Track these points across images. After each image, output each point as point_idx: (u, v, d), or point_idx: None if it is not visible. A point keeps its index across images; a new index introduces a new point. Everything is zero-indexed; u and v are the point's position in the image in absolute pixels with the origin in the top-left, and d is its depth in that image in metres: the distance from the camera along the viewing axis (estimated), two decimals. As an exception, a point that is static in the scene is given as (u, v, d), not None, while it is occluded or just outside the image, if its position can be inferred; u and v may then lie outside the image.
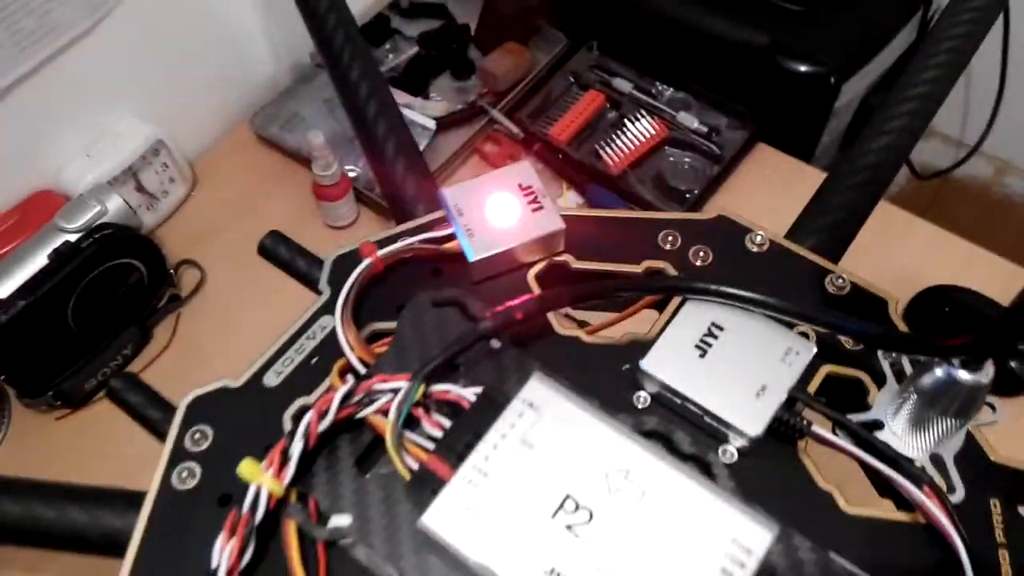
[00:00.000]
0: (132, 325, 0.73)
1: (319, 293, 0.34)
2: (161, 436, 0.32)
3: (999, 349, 0.25)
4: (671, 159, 0.83)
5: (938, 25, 0.39)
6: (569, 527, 0.25)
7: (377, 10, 0.91)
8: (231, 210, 0.80)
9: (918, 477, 0.28)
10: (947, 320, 0.71)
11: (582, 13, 0.91)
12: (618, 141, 0.82)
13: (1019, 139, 1.16)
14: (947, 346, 0.25)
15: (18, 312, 0.64)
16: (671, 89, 0.86)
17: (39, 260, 0.68)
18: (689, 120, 0.82)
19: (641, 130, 0.82)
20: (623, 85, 0.85)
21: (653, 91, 0.85)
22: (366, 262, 0.32)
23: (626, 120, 0.83)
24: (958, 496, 0.28)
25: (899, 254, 0.73)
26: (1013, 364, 0.70)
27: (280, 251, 0.38)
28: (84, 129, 0.75)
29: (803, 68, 0.82)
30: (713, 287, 0.30)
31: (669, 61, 0.86)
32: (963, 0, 0.39)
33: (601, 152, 0.82)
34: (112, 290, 0.71)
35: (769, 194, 0.80)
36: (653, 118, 0.83)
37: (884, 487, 0.30)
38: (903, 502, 0.29)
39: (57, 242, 0.69)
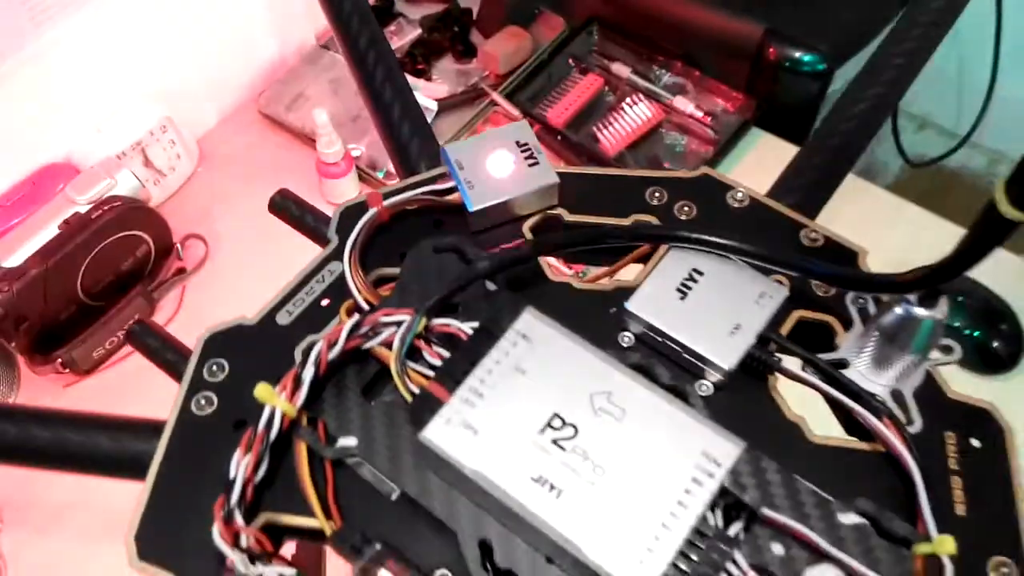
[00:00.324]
0: (139, 296, 0.75)
1: (326, 245, 0.37)
2: (177, 376, 0.35)
3: (949, 281, 0.27)
4: (667, 142, 0.85)
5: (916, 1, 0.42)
6: (555, 441, 0.28)
7: (381, -7, 0.93)
8: (236, 187, 0.82)
9: (878, 409, 0.30)
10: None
11: (582, -1, 0.93)
12: (615, 124, 0.85)
13: (1011, 131, 1.18)
14: (901, 282, 0.28)
15: (30, 280, 0.66)
16: (668, 74, 0.88)
17: (50, 230, 0.70)
18: (685, 104, 0.85)
19: (638, 113, 0.85)
20: (621, 70, 0.88)
21: (651, 76, 0.88)
22: (372, 211, 0.35)
23: (624, 104, 0.85)
24: (916, 427, 0.31)
25: (891, 237, 0.76)
26: (996, 344, 0.72)
27: (290, 208, 0.40)
28: (95, 105, 0.77)
29: (797, 54, 0.84)
30: (693, 235, 0.32)
31: (667, 47, 0.88)
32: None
33: (599, 134, 0.84)
34: (120, 261, 0.73)
35: (763, 177, 0.82)
36: (650, 102, 0.85)
37: (850, 424, 0.33)
38: (866, 434, 0.31)
39: (68, 213, 0.71)
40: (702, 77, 0.87)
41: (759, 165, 0.84)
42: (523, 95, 0.87)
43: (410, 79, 0.87)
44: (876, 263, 0.35)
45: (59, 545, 0.62)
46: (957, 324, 0.72)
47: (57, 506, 0.63)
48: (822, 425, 0.32)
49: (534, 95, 0.87)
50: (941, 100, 1.20)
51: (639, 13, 0.88)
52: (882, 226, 0.77)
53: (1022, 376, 0.70)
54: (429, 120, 0.83)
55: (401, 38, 0.91)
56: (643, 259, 0.36)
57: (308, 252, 0.36)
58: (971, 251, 0.25)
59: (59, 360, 0.70)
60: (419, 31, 0.91)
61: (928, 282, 0.27)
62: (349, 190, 0.81)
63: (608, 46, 0.90)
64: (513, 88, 0.87)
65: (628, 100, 0.86)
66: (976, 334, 0.72)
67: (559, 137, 0.84)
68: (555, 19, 0.91)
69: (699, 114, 0.85)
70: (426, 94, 0.86)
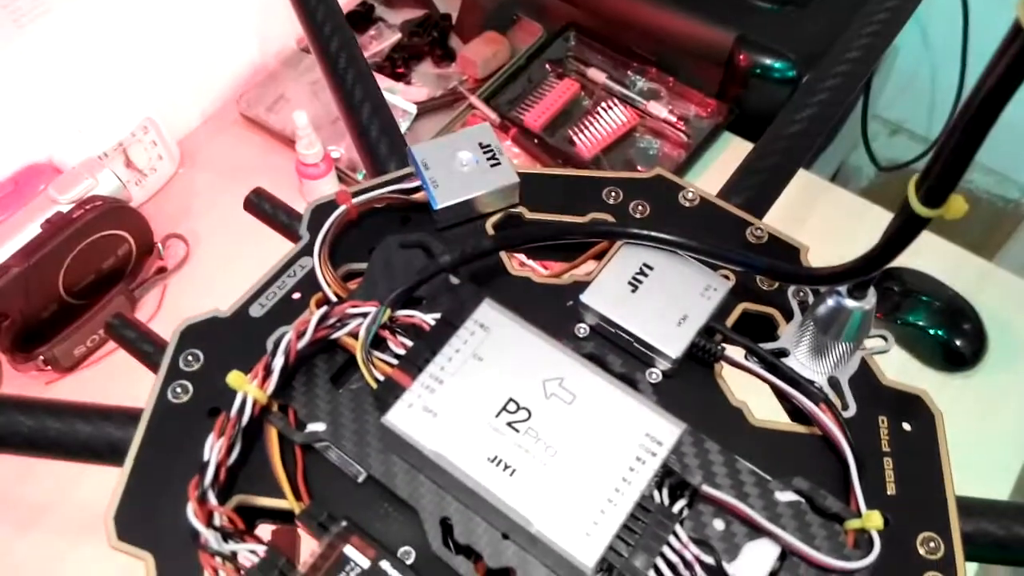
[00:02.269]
0: (120, 295, 0.76)
1: (298, 240, 0.38)
2: (153, 367, 0.36)
3: (874, 275, 0.29)
4: (641, 146, 0.87)
5: (863, 10, 0.44)
6: (510, 424, 0.29)
7: (361, -2, 0.94)
8: (217, 187, 0.83)
9: (815, 395, 0.32)
10: (897, 299, 0.76)
11: (559, 4, 0.95)
12: (591, 128, 0.86)
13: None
14: (829, 275, 0.30)
15: (11, 278, 0.67)
16: (642, 79, 0.90)
17: (32, 229, 0.71)
18: (659, 109, 0.87)
19: (613, 118, 0.87)
20: (597, 75, 0.90)
21: (626, 81, 0.90)
22: (341, 208, 0.36)
23: (599, 108, 0.87)
24: (850, 412, 0.33)
25: (863, 240, 0.78)
26: (959, 343, 0.75)
27: (264, 206, 0.42)
28: (77, 106, 0.77)
29: (767, 61, 0.86)
30: (643, 232, 0.34)
31: (641, 53, 0.90)
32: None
33: (575, 138, 0.86)
34: (101, 260, 0.74)
35: (733, 180, 0.85)
36: (625, 107, 0.87)
37: (793, 411, 0.35)
38: (805, 418, 0.33)
39: (49, 212, 0.72)
40: (675, 83, 0.89)
41: (730, 168, 0.86)
42: (501, 99, 0.88)
43: (390, 83, 0.88)
44: (845, 261, 0.37)
45: (40, 540, 0.63)
46: (922, 323, 0.75)
47: (34, 504, 0.64)
48: (776, 411, 0.34)
49: (512, 99, 0.89)
50: (913, 106, 1.23)
51: (615, 20, 0.90)
52: (854, 229, 0.79)
53: (983, 373, 0.72)
54: (408, 123, 0.85)
55: (381, 42, 0.92)
56: (601, 255, 0.38)
57: (287, 251, 0.38)
58: (890, 246, 0.27)
59: (41, 357, 0.71)
60: (399, 35, 0.92)
61: (853, 275, 0.29)
62: (328, 191, 0.81)
63: (584, 52, 0.92)
64: (491, 92, 0.88)
65: (603, 105, 0.88)
66: (940, 333, 0.74)
67: (536, 140, 0.86)
68: (533, 25, 0.93)
69: (672, 119, 0.87)
70: (406, 97, 0.87)
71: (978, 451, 0.65)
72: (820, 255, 0.36)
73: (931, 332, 0.74)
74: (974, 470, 0.61)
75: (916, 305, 0.76)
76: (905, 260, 0.81)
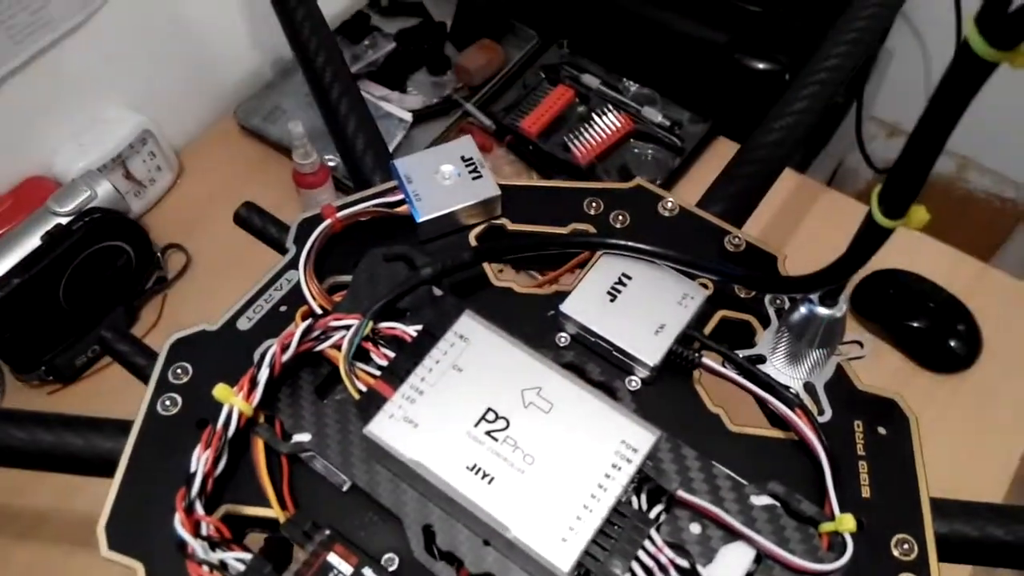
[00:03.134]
0: (120, 305, 0.77)
1: (286, 254, 0.39)
2: (146, 379, 0.37)
3: (841, 283, 0.30)
4: (635, 151, 0.88)
5: (843, 17, 0.44)
6: (489, 432, 0.30)
7: (357, 7, 0.95)
8: (215, 198, 0.84)
9: (791, 400, 0.33)
10: (892, 300, 0.76)
11: (553, 12, 0.95)
12: (586, 134, 0.87)
13: (979, 137, 1.21)
14: (798, 282, 0.30)
15: (12, 290, 0.68)
16: (636, 85, 0.91)
17: (32, 241, 0.72)
18: (653, 114, 0.87)
19: (608, 124, 0.87)
20: (591, 81, 0.90)
21: (619, 87, 0.90)
22: (327, 222, 0.37)
23: (594, 114, 0.87)
24: (826, 417, 0.33)
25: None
26: (953, 344, 0.75)
27: (254, 219, 0.42)
28: (75, 118, 0.78)
29: (759, 65, 0.87)
30: (620, 242, 0.35)
31: (635, 58, 0.90)
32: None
33: (569, 144, 0.86)
34: (101, 271, 0.75)
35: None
36: (619, 112, 0.88)
37: (772, 416, 0.35)
38: (782, 423, 0.34)
39: (49, 225, 0.73)
40: (669, 88, 0.89)
41: (724, 172, 0.86)
42: (496, 106, 0.89)
43: (385, 91, 0.89)
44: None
45: (38, 549, 0.63)
46: (917, 324, 0.75)
47: (34, 514, 0.65)
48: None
49: (507, 106, 0.89)
50: (909, 108, 1.24)
51: (608, 26, 0.91)
52: (850, 232, 0.80)
53: (978, 375, 0.72)
54: (404, 131, 0.86)
55: (377, 52, 0.93)
56: (583, 265, 0.38)
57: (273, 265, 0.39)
58: (854, 256, 0.27)
59: (43, 368, 0.72)
60: (394, 44, 0.93)
61: (821, 283, 0.30)
62: (326, 200, 0.83)
63: (578, 58, 0.92)
64: (486, 99, 0.89)
65: (598, 110, 0.88)
66: (935, 334, 0.74)
67: (531, 147, 0.87)
68: (527, 32, 0.94)
69: (666, 123, 0.87)
70: (401, 106, 0.88)
71: (973, 452, 0.65)
72: (816, 258, 0.36)
73: (926, 333, 0.74)
74: (969, 471, 0.62)
75: (911, 306, 0.76)
76: (900, 262, 0.81)
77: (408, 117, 0.87)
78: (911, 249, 0.80)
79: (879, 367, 0.66)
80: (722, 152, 0.87)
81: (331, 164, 0.84)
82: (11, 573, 0.62)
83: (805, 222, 0.82)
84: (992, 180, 1.24)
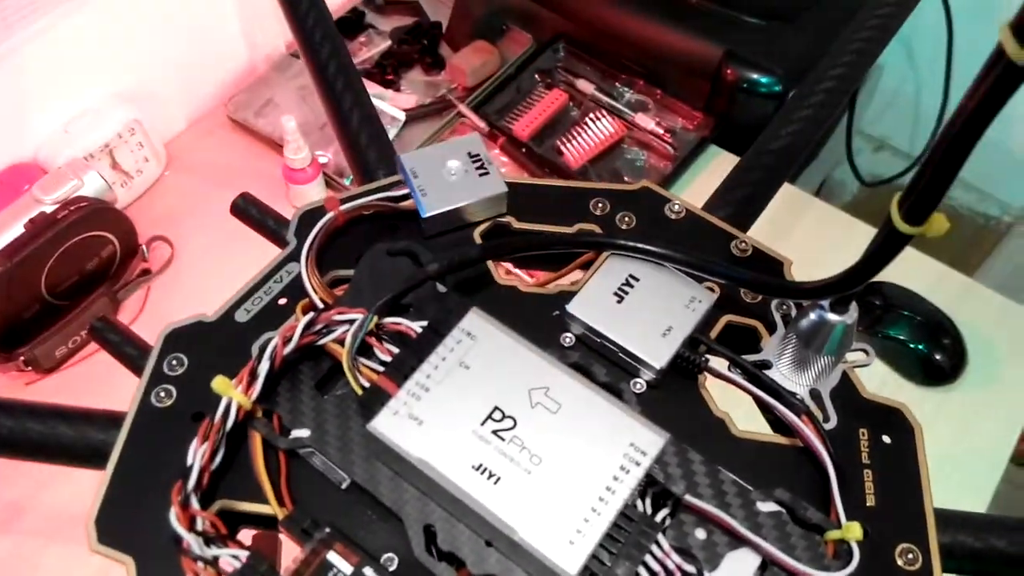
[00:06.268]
0: (103, 296, 0.75)
1: (285, 246, 0.38)
2: (137, 370, 0.36)
3: (855, 290, 0.30)
4: (628, 157, 0.88)
5: (849, 27, 0.45)
6: (495, 432, 0.30)
7: (352, 4, 0.95)
8: (203, 191, 0.83)
9: (796, 407, 0.32)
10: (878, 311, 0.77)
11: (549, 15, 0.95)
12: (579, 138, 0.87)
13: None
14: (811, 288, 0.30)
15: (-7, 278, 0.67)
16: (630, 91, 0.91)
17: (15, 229, 0.71)
18: (646, 121, 0.88)
19: (601, 129, 0.87)
20: (586, 86, 0.90)
21: (614, 92, 0.90)
22: (330, 214, 0.36)
23: (587, 119, 0.88)
24: (831, 424, 0.33)
25: (846, 254, 0.79)
26: (939, 357, 0.76)
27: (252, 211, 0.42)
28: (63, 106, 0.77)
29: (754, 76, 0.87)
30: (629, 243, 0.34)
31: (630, 65, 0.90)
32: (871, 7, 0.44)
33: (562, 148, 0.86)
34: (85, 261, 0.73)
35: (718, 192, 0.86)
36: (613, 118, 0.88)
37: (775, 422, 0.35)
38: (787, 429, 0.33)
39: (33, 212, 0.71)
40: (663, 95, 0.90)
41: (715, 180, 0.87)
42: (490, 108, 0.89)
43: (379, 89, 0.89)
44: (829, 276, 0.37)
45: (15, 541, 0.62)
46: (903, 337, 0.75)
47: (9, 505, 0.63)
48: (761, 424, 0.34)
49: (501, 108, 0.89)
50: (897, 122, 1.25)
51: (604, 32, 0.91)
52: (837, 244, 0.80)
53: (963, 388, 0.73)
54: (397, 130, 0.85)
55: (371, 49, 0.93)
56: (587, 265, 0.38)
57: (271, 256, 0.38)
58: (872, 262, 0.27)
59: (22, 358, 0.71)
60: (389, 43, 0.93)
61: (836, 289, 0.29)
62: (315, 196, 0.82)
63: (573, 63, 0.92)
64: (480, 101, 0.89)
65: (591, 115, 0.88)
66: (920, 347, 0.75)
67: (523, 149, 0.86)
68: (522, 35, 0.93)
69: (659, 131, 0.88)
70: (394, 104, 0.88)
71: (957, 465, 0.65)
72: (803, 269, 0.37)
73: (912, 346, 0.75)
74: (953, 484, 0.62)
75: (897, 319, 0.77)
76: (887, 275, 0.82)
77: (401, 116, 0.87)
78: (897, 263, 0.81)
79: (864, 380, 0.67)
80: (715, 160, 0.88)
81: (322, 160, 0.84)
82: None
83: (793, 232, 0.83)
84: (976, 197, 1.26)
